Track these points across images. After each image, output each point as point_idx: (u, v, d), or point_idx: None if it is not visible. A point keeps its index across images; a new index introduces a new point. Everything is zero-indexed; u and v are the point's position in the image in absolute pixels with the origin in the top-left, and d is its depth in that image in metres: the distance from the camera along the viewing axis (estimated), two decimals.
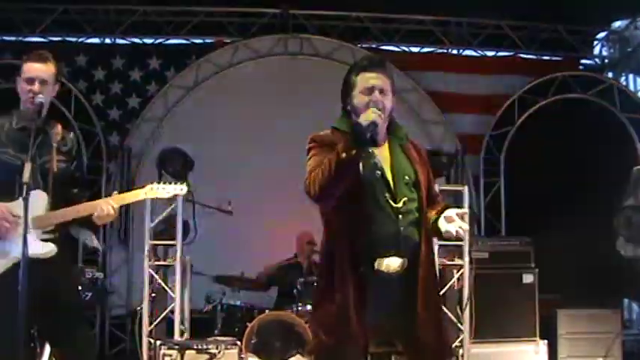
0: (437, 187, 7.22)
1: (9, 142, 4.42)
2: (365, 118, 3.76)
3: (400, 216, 3.83)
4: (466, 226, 3.81)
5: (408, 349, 3.92)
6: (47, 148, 4.46)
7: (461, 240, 7.48)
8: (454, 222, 3.81)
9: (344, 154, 3.62)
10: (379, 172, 3.86)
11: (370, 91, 3.89)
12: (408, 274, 3.83)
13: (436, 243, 7.37)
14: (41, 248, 4.31)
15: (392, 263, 3.80)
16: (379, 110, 3.82)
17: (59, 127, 4.63)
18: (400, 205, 3.84)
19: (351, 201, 3.76)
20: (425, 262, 3.88)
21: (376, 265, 3.78)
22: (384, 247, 3.80)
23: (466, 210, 3.90)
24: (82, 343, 4.56)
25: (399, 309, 3.83)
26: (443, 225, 3.86)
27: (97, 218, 4.42)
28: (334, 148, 3.71)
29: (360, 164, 3.72)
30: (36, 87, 4.41)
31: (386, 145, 3.98)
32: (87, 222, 4.49)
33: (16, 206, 4.26)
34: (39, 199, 4.33)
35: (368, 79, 3.92)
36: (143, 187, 4.71)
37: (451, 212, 3.85)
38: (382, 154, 3.94)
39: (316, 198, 3.77)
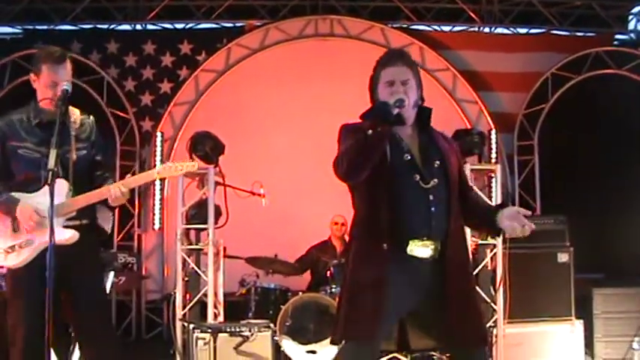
0: (468, 168, 7.24)
1: (27, 136, 4.48)
2: (391, 97, 3.83)
3: (431, 196, 3.83)
4: (533, 226, 3.78)
5: (442, 338, 3.92)
6: (66, 137, 4.49)
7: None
8: (518, 220, 3.79)
9: (370, 131, 3.65)
10: (408, 156, 3.89)
11: (391, 83, 3.94)
12: (440, 260, 3.82)
13: None
14: (64, 235, 4.37)
15: (423, 253, 3.80)
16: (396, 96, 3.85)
17: (77, 114, 4.67)
18: (430, 186, 3.84)
19: (381, 182, 3.79)
20: (456, 246, 3.88)
21: (409, 249, 3.78)
22: (416, 229, 3.80)
23: (529, 212, 3.86)
24: (107, 342, 4.63)
25: (430, 296, 3.82)
26: (504, 221, 3.83)
27: (111, 201, 4.47)
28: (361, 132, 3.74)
29: (388, 149, 3.77)
30: (59, 90, 4.43)
31: (414, 131, 4.02)
32: (107, 205, 4.56)
33: (40, 195, 4.34)
34: (60, 187, 4.36)
35: (389, 73, 3.98)
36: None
37: (512, 210, 3.87)
38: (411, 140, 3.97)
39: (344, 176, 3.80)
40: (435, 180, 3.86)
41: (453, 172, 3.96)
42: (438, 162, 3.92)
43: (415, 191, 3.84)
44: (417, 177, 3.85)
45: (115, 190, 4.43)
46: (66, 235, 4.39)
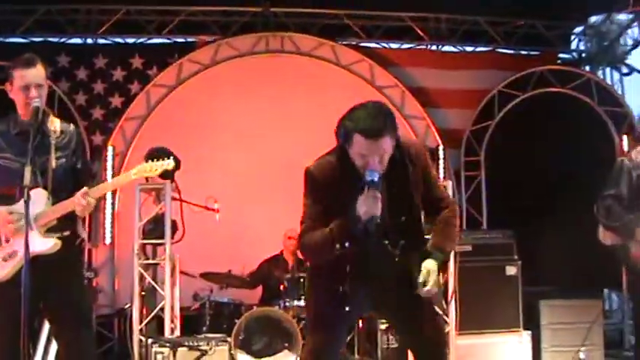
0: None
1: (8, 147, 4.52)
2: (364, 211, 3.75)
3: (397, 251, 3.96)
4: (434, 290, 3.90)
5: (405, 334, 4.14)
6: (45, 147, 4.54)
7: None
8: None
9: (338, 245, 3.78)
10: (378, 219, 3.80)
11: (364, 156, 3.81)
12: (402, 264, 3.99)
13: None
14: (45, 244, 4.43)
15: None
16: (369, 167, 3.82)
17: (57, 123, 4.71)
18: (397, 250, 3.96)
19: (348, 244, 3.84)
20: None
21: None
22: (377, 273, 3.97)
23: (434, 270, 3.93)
24: (85, 343, 4.64)
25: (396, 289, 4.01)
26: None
27: (78, 211, 4.51)
28: (329, 190, 3.87)
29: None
30: (33, 93, 4.50)
31: (384, 186, 3.88)
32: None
33: (19, 209, 4.36)
34: (40, 197, 4.44)
35: (365, 146, 3.80)
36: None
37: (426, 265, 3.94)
38: (381, 193, 3.87)
39: (308, 260, 4.14)
40: (402, 241, 3.95)
41: (419, 201, 4.05)
42: (404, 217, 3.97)
43: (381, 252, 3.95)
44: (386, 242, 3.94)
45: (78, 200, 4.46)
46: (48, 245, 4.44)
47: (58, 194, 4.54)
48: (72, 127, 4.80)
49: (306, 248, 3.94)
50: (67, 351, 4.60)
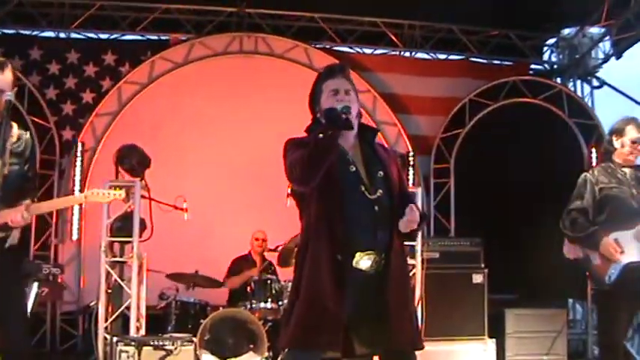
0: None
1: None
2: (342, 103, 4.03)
3: (376, 207, 3.97)
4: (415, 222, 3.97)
5: (382, 342, 3.98)
6: (1, 151, 4.47)
7: (414, 240, 7.61)
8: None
9: (321, 135, 3.85)
10: (353, 167, 4.02)
11: (336, 92, 4.11)
12: (383, 271, 3.94)
13: None
14: None
15: (365, 265, 3.91)
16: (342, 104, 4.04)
17: (15, 128, 4.63)
18: (375, 197, 3.98)
19: (328, 193, 3.92)
20: (397, 259, 4.02)
21: (354, 261, 3.90)
22: (363, 240, 3.93)
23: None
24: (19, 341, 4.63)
25: (373, 304, 3.92)
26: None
27: (12, 223, 4.48)
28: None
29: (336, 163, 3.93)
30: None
31: (357, 143, 4.15)
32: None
33: None
34: None
35: (332, 84, 4.15)
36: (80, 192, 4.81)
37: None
38: (354, 151, 4.11)
39: (299, 181, 3.97)
40: (380, 191, 4.00)
41: (394, 183, 4.11)
42: (381, 173, 4.06)
43: (361, 203, 3.96)
44: (362, 188, 3.98)
45: (14, 215, 4.44)
46: None
47: (7, 200, 4.50)
48: (27, 134, 4.71)
49: (293, 163, 3.93)
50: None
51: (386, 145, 4.47)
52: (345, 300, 3.84)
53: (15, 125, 4.64)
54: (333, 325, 3.83)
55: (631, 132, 5.54)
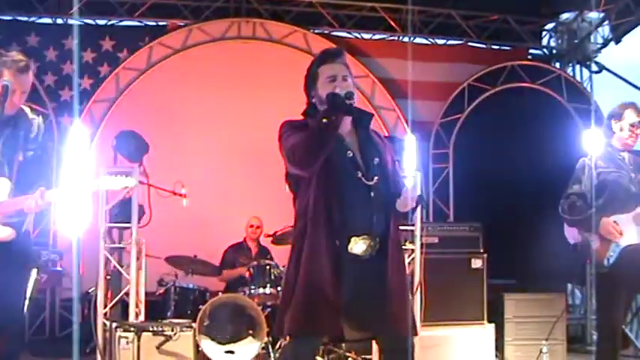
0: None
1: None
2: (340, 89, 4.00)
3: (372, 193, 3.98)
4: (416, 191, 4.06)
5: (379, 330, 4.01)
6: (15, 138, 4.55)
7: (409, 220, 7.61)
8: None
9: (325, 120, 3.82)
10: (350, 153, 4.03)
11: (333, 79, 4.08)
12: (379, 257, 3.95)
13: None
14: (1, 232, 4.45)
15: (358, 248, 3.92)
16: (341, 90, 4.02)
17: (28, 114, 4.71)
18: (372, 182, 3.99)
19: (325, 178, 3.93)
20: (394, 244, 4.04)
21: (349, 246, 3.91)
22: (359, 225, 3.94)
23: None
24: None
25: (371, 290, 3.93)
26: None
27: (28, 209, 4.49)
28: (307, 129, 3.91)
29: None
30: (17, 98, 4.53)
31: (353, 129, 4.16)
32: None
33: None
34: (1, 187, 4.46)
35: (329, 69, 4.14)
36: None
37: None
38: (351, 137, 4.12)
39: (299, 164, 3.94)
40: (376, 177, 4.01)
41: (389, 169, 4.13)
42: (377, 159, 4.07)
43: (358, 189, 3.98)
44: (359, 174, 3.99)
45: (29, 202, 4.44)
46: (3, 234, 4.45)
47: (22, 186, 4.54)
48: (40, 118, 4.80)
49: (294, 145, 3.92)
50: None
51: (378, 131, 4.43)
52: (343, 286, 3.85)
53: (28, 110, 4.75)
54: (332, 311, 3.83)
55: (629, 116, 5.55)
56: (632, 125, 5.54)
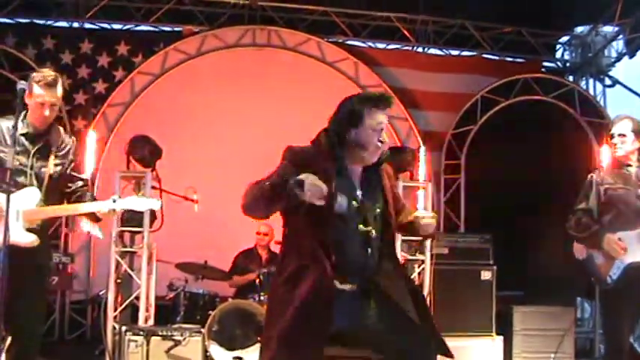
0: (401, 185, 7.41)
1: (12, 144, 4.57)
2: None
3: (370, 241, 3.95)
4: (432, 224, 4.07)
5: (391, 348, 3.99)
6: (45, 153, 4.79)
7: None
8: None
9: (292, 183, 3.64)
10: (355, 204, 3.94)
11: (380, 132, 3.94)
12: (369, 291, 3.96)
13: (399, 238, 7.55)
14: (25, 238, 4.62)
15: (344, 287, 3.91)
16: (382, 143, 3.96)
17: (60, 132, 4.96)
18: (370, 228, 3.94)
19: (327, 224, 3.83)
20: (388, 278, 3.99)
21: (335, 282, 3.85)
22: (353, 270, 3.91)
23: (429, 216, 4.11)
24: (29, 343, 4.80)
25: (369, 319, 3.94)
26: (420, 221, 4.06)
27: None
28: (304, 168, 3.72)
29: (338, 196, 3.86)
30: (47, 112, 4.75)
31: (364, 171, 4.05)
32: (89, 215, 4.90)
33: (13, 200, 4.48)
34: (32, 195, 4.67)
35: (380, 117, 3.94)
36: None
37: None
38: (360, 180, 4.04)
39: (242, 208, 3.89)
40: (374, 227, 3.96)
41: (392, 213, 4.08)
42: (379, 209, 4.02)
43: (357, 236, 3.92)
44: (361, 224, 3.93)
45: (100, 206, 4.81)
46: (27, 239, 4.62)
47: (50, 199, 4.77)
48: (72, 138, 5.05)
49: (254, 188, 3.83)
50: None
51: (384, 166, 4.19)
52: (332, 316, 3.76)
53: (61, 129, 5.02)
54: (318, 339, 3.76)
55: (613, 128, 5.56)
56: (612, 137, 5.54)
